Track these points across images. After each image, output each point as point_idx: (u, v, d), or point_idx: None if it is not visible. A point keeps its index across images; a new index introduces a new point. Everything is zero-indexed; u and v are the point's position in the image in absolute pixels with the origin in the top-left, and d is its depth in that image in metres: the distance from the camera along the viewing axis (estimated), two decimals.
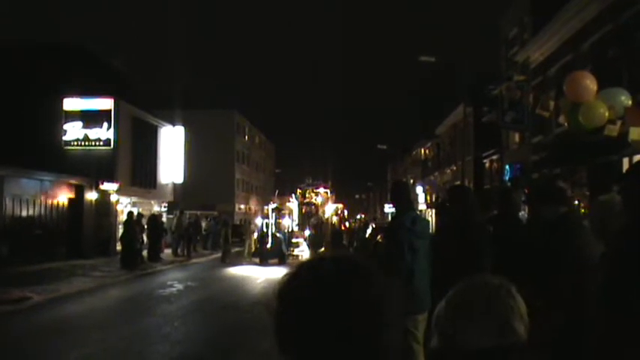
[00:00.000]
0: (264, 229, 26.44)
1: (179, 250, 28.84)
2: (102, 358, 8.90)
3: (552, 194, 4.17)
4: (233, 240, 34.06)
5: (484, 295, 1.58)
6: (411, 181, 55.04)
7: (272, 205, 28.82)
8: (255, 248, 26.07)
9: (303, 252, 27.79)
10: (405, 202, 5.41)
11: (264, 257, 24.93)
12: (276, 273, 20.29)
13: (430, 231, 5.58)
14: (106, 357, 9.00)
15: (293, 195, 37.14)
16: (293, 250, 27.61)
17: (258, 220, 29.73)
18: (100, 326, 11.41)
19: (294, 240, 28.95)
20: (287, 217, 30.37)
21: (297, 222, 33.15)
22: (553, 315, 3.32)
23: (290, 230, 29.76)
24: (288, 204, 32.70)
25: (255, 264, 24.52)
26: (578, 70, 8.87)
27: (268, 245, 25.32)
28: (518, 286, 1.69)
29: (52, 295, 14.76)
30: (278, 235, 26.12)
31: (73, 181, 25.81)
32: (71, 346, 9.55)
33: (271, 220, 26.80)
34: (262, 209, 30.35)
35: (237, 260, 26.12)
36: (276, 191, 36.98)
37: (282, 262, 24.75)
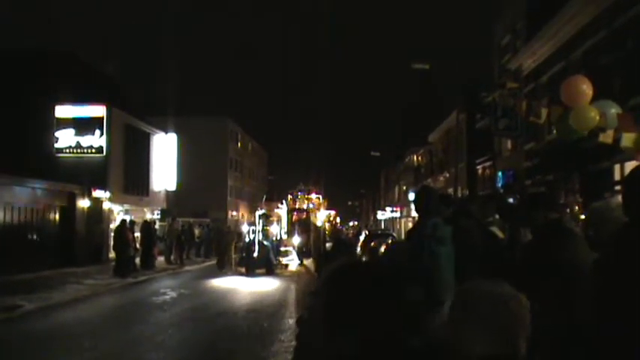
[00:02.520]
0: (251, 237, 24.86)
1: (172, 258, 28.75)
2: None
3: (543, 201, 4.23)
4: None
5: (493, 302, 1.57)
6: (404, 187, 55.16)
7: (259, 212, 27.23)
8: (241, 257, 24.50)
9: (293, 261, 26.55)
10: (428, 207, 5.30)
11: (250, 267, 23.23)
12: (263, 284, 19.96)
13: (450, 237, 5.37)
14: None
15: (284, 201, 36.09)
16: (281, 260, 26.11)
17: (245, 227, 28.47)
18: (93, 334, 11.38)
19: (282, 248, 27.29)
20: (275, 224, 28.74)
21: (286, 229, 31.46)
22: (543, 319, 3.36)
23: (278, 238, 28.02)
24: (276, 210, 31.12)
25: (241, 274, 22.98)
26: (576, 75, 8.93)
27: (255, 254, 23.66)
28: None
29: (44, 304, 14.70)
30: (265, 243, 24.43)
31: (65, 189, 25.73)
32: (64, 354, 9.53)
33: (258, 228, 25.18)
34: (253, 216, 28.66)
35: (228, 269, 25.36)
36: (264, 197, 35.33)
37: (269, 272, 23.33)
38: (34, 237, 23.38)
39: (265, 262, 23.59)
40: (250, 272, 22.80)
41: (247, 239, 25.39)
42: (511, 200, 16.05)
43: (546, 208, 4.04)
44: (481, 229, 5.73)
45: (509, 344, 1.54)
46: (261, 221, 25.70)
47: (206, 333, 11.49)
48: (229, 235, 28.01)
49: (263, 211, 27.76)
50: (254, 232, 25.02)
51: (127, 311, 14.78)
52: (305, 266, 26.15)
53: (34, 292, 16.06)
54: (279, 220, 30.14)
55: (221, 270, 24.83)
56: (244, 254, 24.20)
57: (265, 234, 25.54)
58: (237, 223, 46.37)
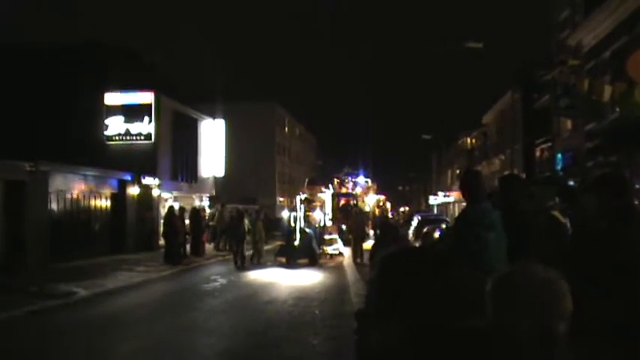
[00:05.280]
0: (292, 224, 23.25)
1: (221, 245, 29.16)
2: (150, 352, 9.12)
3: (611, 184, 4.12)
4: (274, 233, 33.74)
5: (536, 285, 1.59)
6: (457, 171, 54.54)
7: (301, 196, 25.29)
8: (282, 246, 23.13)
9: (339, 250, 25.32)
10: (476, 192, 5.22)
11: (291, 257, 21.68)
12: (308, 275, 19.11)
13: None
14: (153, 350, 9.21)
15: (330, 185, 34.82)
16: (326, 249, 24.77)
17: (285, 214, 27.19)
18: (146, 320, 11.72)
19: (327, 236, 25.66)
20: (319, 209, 26.85)
21: (330, 215, 29.33)
22: (611, 305, 3.30)
23: (322, 225, 26.29)
24: (320, 195, 28.81)
25: (282, 265, 21.49)
26: None
27: (296, 243, 22.13)
28: (571, 276, 1.71)
29: (98, 290, 15.15)
30: (308, 230, 22.85)
31: (115, 176, 26.36)
32: (118, 339, 9.82)
33: (300, 214, 23.40)
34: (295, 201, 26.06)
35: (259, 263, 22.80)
36: (307, 180, 33.77)
37: (313, 262, 21.86)
38: (86, 224, 24.04)
39: (308, 252, 22.16)
40: (291, 263, 21.40)
41: (288, 226, 23.86)
42: (572, 183, 15.70)
43: (614, 191, 3.92)
44: (543, 213, 5.63)
45: (546, 322, 1.58)
46: (302, 207, 24.01)
47: (257, 320, 11.64)
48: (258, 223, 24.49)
49: (305, 195, 25.99)
50: (295, 218, 23.37)
51: (178, 298, 15.11)
52: (341, 255, 25.39)
53: (87, 278, 16.57)
54: (322, 206, 28.29)
55: (236, 266, 21.66)
56: (284, 243, 23.02)
57: (308, 220, 24.13)
58: (285, 208, 46.59)
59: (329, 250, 24.91)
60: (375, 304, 1.41)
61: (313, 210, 25.95)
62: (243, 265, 21.72)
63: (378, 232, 22.49)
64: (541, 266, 1.70)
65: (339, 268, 21.65)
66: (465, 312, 1.50)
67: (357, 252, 22.86)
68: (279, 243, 26.08)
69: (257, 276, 19.03)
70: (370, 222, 33.45)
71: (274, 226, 37.87)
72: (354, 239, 24.14)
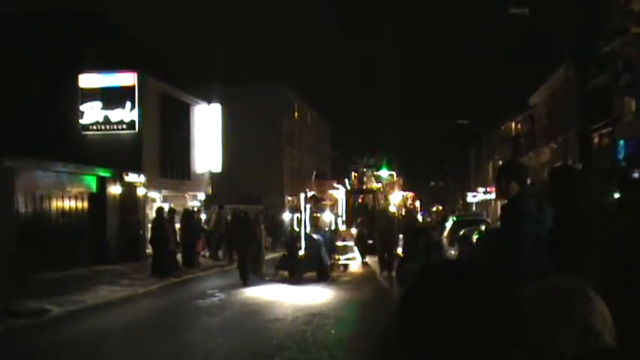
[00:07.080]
0: (296, 229, 22.31)
1: (219, 253, 29.16)
2: None
3: None
4: (282, 239, 33.58)
5: (563, 298, 1.66)
6: (500, 163, 54.35)
7: (307, 194, 23.85)
8: (283, 257, 21.87)
9: (354, 260, 24.79)
10: (524, 185, 5.27)
11: (295, 270, 20.46)
12: (318, 292, 18.29)
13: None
14: None
15: (347, 180, 33.99)
16: (339, 258, 23.96)
17: (286, 215, 26.77)
18: (131, 343, 11.77)
19: (340, 243, 24.75)
20: (329, 210, 25.81)
21: (344, 217, 28.46)
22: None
23: (334, 229, 25.16)
24: (331, 192, 28.43)
25: (284, 280, 20.46)
26: None
27: (301, 252, 20.87)
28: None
29: (74, 307, 15.23)
30: (315, 236, 21.63)
31: (93, 173, 26.40)
32: None
33: (305, 215, 22.11)
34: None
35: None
36: (314, 173, 32.32)
37: (322, 276, 20.61)
38: (60, 229, 24.09)
39: (315, 263, 20.96)
40: (296, 277, 20.27)
41: (291, 231, 23.16)
42: (637, 175, 15.63)
43: None
44: (603, 212, 5.58)
45: (587, 338, 1.61)
46: (308, 207, 22.85)
47: (262, 341, 11.63)
48: (249, 226, 22.72)
49: (312, 192, 25.07)
50: (299, 221, 22.25)
51: (169, 316, 15.19)
52: (367, 265, 25.10)
53: (62, 293, 16.62)
54: (334, 205, 27.75)
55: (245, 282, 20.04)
56: (286, 252, 21.86)
57: (315, 224, 23.15)
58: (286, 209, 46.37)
59: (342, 259, 24.33)
60: (407, 325, 1.43)
61: (322, 211, 25.09)
62: (248, 279, 20.31)
63: (403, 238, 22.07)
64: (567, 276, 1.81)
65: (356, 282, 21.47)
66: (509, 338, 1.54)
67: (385, 263, 22.37)
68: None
69: (259, 292, 18.91)
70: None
71: (278, 231, 37.73)
72: (380, 247, 23.48)
